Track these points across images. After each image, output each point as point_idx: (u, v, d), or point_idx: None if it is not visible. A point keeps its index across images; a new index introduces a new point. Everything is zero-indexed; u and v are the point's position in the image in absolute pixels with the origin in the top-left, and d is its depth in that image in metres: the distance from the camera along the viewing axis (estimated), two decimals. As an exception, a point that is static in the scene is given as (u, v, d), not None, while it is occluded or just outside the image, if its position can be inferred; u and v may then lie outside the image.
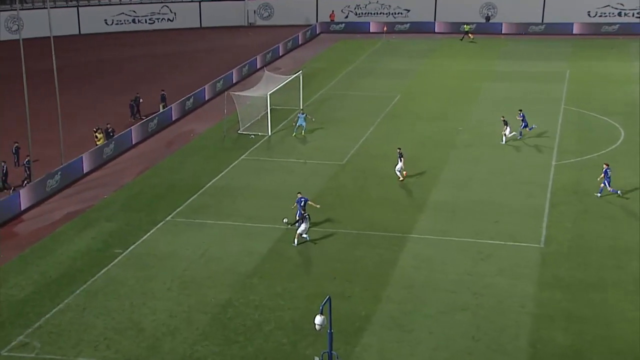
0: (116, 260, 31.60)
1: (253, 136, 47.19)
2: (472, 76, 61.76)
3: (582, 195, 37.32)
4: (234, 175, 40.90)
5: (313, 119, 47.58)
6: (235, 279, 29.84)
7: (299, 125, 46.67)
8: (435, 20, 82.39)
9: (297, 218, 32.65)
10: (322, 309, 21.48)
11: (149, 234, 34.04)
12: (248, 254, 31.83)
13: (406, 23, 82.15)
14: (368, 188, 38.90)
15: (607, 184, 36.43)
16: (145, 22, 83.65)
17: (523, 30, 79.44)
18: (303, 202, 32.94)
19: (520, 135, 45.13)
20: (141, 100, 51.93)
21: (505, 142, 44.46)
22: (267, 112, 48.06)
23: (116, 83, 62.17)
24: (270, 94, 48.19)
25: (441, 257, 31.32)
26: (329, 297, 22.08)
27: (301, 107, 52.26)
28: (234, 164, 42.68)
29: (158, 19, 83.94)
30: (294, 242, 32.36)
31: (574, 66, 63.98)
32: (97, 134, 45.31)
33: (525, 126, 45.02)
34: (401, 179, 38.99)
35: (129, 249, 32.56)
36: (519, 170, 40.65)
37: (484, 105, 53.15)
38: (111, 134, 45.67)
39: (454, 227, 34.04)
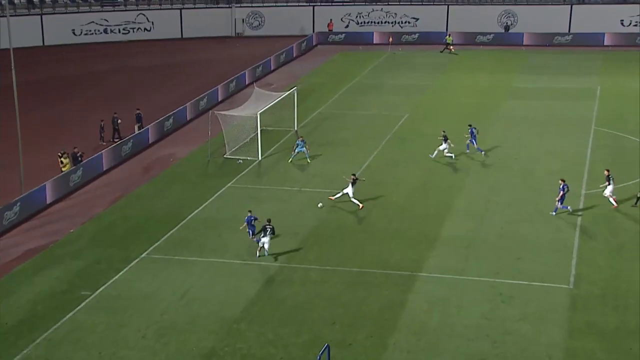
0: (83, 304, 31.37)
1: (241, 161, 47.20)
2: (489, 93, 61.96)
3: (616, 229, 37.26)
4: (219, 206, 40.83)
5: (309, 156, 47.31)
6: (220, 325, 29.64)
7: (298, 152, 46.70)
8: (447, 30, 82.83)
9: (252, 232, 35.61)
10: (319, 358, 21.31)
11: (121, 273, 33.87)
12: (235, 296, 31.67)
13: (414, 33, 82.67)
14: (372, 220, 38.84)
15: (559, 200, 38.10)
16: (119, 32, 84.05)
17: (547, 41, 79.95)
18: (253, 221, 35.41)
19: (468, 149, 46.72)
20: (120, 121, 51.99)
21: (435, 157, 45.75)
22: (257, 134, 48.11)
23: (86, 101, 62.26)
24: (260, 114, 48.28)
25: (456, 299, 31.16)
26: (328, 345, 21.94)
27: (295, 129, 52.37)
28: (219, 192, 42.63)
29: (133, 28, 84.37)
30: (257, 254, 34.50)
31: (605, 82, 64.27)
32: (62, 158, 45.25)
33: (474, 142, 46.43)
34: (361, 206, 39.65)
35: (99, 291, 32.35)
36: (544, 200, 40.57)
37: (503, 126, 53.26)
38: (79, 159, 45.64)
39: (470, 265, 33.92)
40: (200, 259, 34.90)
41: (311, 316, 30.18)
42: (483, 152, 46.77)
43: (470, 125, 47.36)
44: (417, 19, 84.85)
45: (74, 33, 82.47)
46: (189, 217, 39.50)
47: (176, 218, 39.25)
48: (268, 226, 34.46)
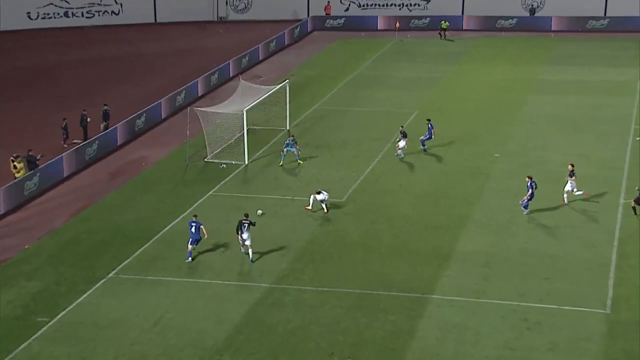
0: (40, 332, 31.26)
1: (224, 165, 47.21)
2: (512, 87, 62.05)
3: (660, 244, 37.36)
4: (199, 217, 40.76)
5: (299, 157, 47.40)
6: (200, 356, 29.57)
7: (287, 152, 46.73)
8: (463, 13, 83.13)
9: (192, 241, 36.48)
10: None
11: (85, 295, 33.79)
12: (217, 322, 31.65)
13: (425, 17, 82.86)
14: (376, 233, 38.85)
15: (527, 199, 40.10)
16: (82, 15, 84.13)
17: (579, 26, 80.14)
18: (194, 229, 36.28)
19: (423, 145, 48.61)
20: (89, 120, 51.92)
21: (397, 154, 47.96)
22: (244, 134, 48.13)
23: (44, 97, 62.20)
24: (247, 111, 48.30)
25: (474, 325, 31.15)
26: (325, 379, 21.95)
27: (288, 128, 52.43)
28: (199, 202, 42.61)
29: (99, 11, 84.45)
30: (246, 252, 36.39)
31: (646, 73, 64.44)
32: (15, 163, 45.22)
33: (430, 138, 48.26)
34: (309, 207, 40.99)
35: (58, 317, 32.27)
36: (575, 211, 40.66)
37: (528, 125, 53.34)
38: (36, 163, 45.59)
39: (490, 286, 33.92)
40: (177, 279, 34.84)
41: (306, 346, 30.14)
42: (425, 148, 48.47)
43: (428, 120, 48.48)
44: (428, 1, 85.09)
45: (29, 17, 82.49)
46: (164, 230, 39.46)
47: (149, 232, 39.20)
48: (245, 221, 35.93)
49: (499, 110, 56.40)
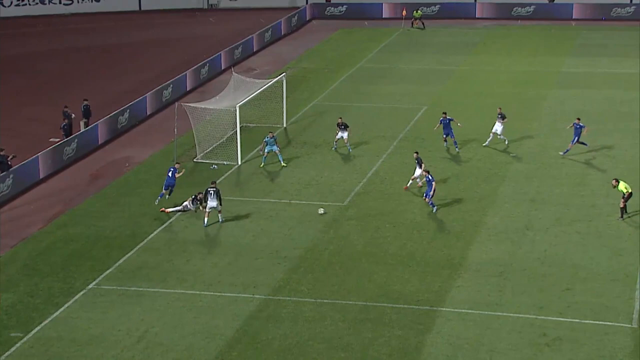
0: (13, 349, 31.26)
1: (216, 166, 47.22)
2: (530, 80, 62.04)
3: (691, 252, 37.34)
4: (187, 223, 40.82)
5: (282, 158, 47.44)
6: (188, 375, 29.65)
7: (268, 152, 46.66)
8: (475, 0, 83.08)
9: (166, 191, 41.44)
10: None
11: (62, 308, 33.78)
12: (208, 337, 31.66)
13: (435, 5, 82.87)
14: (381, 241, 38.86)
15: (428, 195, 41.04)
16: (60, 2, 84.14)
17: (603, 14, 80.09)
18: (171, 173, 41.31)
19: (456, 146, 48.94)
20: (73, 116, 51.87)
21: (336, 148, 49.21)
22: (236, 132, 48.15)
23: (20, 91, 62.12)
24: (240, 106, 48.32)
25: (488, 341, 31.15)
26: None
27: (284, 125, 52.45)
28: (187, 206, 42.65)
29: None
30: (205, 223, 39.96)
31: (678, 66, 64.44)
32: (-14, 163, 45.27)
33: (451, 135, 48.34)
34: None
35: (33, 332, 32.26)
36: (600, 216, 40.64)
37: (548, 122, 53.33)
38: (8, 164, 45.57)
39: (506, 298, 33.93)
40: (163, 291, 34.85)
41: (304, 363, 30.18)
42: (457, 149, 48.49)
43: (444, 114, 48.25)
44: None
45: (2, 4, 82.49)
46: (149, 237, 39.46)
47: (132, 239, 39.21)
48: (211, 188, 39.67)
49: (515, 106, 56.32)
